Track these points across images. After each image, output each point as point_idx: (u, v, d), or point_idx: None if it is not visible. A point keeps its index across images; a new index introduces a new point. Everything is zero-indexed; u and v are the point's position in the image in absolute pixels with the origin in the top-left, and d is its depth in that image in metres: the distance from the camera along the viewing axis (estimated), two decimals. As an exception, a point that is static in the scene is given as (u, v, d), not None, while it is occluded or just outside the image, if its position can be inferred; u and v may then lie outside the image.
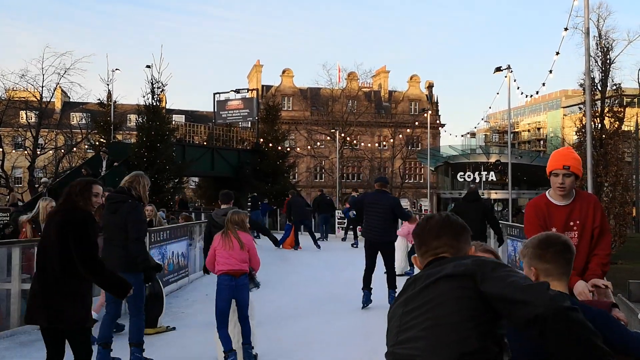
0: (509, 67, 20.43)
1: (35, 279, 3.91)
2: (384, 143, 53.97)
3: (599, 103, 18.74)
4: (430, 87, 59.34)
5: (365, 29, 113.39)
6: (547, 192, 3.73)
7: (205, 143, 28.25)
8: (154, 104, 22.29)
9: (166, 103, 30.17)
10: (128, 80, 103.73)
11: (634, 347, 2.20)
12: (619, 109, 19.33)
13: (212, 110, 31.68)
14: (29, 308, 3.88)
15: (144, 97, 22.25)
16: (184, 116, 48.18)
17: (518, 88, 20.70)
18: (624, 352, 2.19)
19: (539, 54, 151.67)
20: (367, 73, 55.91)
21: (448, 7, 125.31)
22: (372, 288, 8.08)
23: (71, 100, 43.39)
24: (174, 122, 28.19)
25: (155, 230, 8.74)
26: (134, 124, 29.26)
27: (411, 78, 58.27)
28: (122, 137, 38.33)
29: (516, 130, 77.95)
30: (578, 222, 3.56)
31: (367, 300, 7.98)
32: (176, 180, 22.47)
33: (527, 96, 19.69)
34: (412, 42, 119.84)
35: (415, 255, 2.17)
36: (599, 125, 18.58)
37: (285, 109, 51.32)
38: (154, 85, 22.22)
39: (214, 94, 30.76)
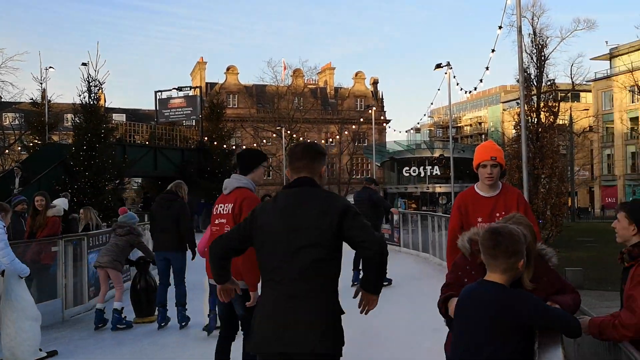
0: (448, 64, 20.88)
1: None
2: (331, 139, 54.25)
3: (534, 98, 19.34)
4: (375, 83, 59.99)
5: (309, 24, 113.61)
6: (475, 184, 3.99)
7: (147, 142, 27.54)
8: (91, 102, 21.56)
9: (105, 102, 29.21)
10: (64, 78, 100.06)
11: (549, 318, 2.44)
12: (554, 104, 20.03)
13: (154, 108, 30.92)
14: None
15: (79, 95, 21.53)
16: (124, 115, 46.84)
17: (457, 84, 21.22)
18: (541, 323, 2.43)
19: (480, 50, 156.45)
20: (312, 70, 56.15)
21: (392, 1, 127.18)
22: (360, 269, 8.49)
23: (3, 100, 41.25)
24: (113, 121, 27.34)
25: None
26: (71, 123, 28.20)
27: (356, 74, 58.74)
28: (59, 137, 36.91)
29: (459, 125, 80.00)
30: (503, 212, 3.73)
31: (355, 279, 8.86)
32: (117, 182, 21.93)
33: (466, 92, 20.21)
34: (357, 39, 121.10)
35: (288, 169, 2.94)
36: (535, 120, 19.19)
37: (231, 106, 50.71)
38: (91, 84, 21.48)
39: (156, 92, 30.05)
